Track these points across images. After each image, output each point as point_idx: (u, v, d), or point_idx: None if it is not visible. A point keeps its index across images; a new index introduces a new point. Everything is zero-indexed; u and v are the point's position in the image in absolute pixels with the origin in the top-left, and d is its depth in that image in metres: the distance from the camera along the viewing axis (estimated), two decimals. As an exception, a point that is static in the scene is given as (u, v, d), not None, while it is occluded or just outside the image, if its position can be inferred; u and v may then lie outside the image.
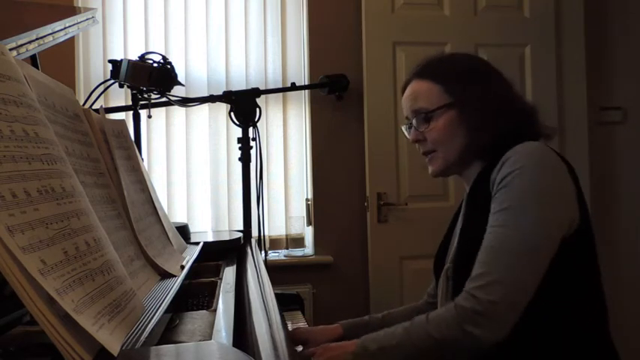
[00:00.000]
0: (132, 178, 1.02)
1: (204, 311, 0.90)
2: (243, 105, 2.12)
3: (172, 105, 2.08)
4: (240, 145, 2.10)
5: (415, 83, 1.22)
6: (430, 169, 1.22)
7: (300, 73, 2.76)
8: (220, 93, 2.19)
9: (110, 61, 1.83)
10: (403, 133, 1.29)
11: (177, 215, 2.57)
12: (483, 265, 0.99)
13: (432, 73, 1.21)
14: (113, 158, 0.94)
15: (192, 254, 1.18)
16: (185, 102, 2.19)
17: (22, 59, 1.01)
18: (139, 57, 1.83)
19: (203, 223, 2.62)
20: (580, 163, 2.60)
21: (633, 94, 2.99)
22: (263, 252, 2.12)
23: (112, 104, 2.46)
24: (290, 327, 1.44)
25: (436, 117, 1.16)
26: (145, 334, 0.60)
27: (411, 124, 1.23)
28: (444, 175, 1.26)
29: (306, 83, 2.72)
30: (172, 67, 1.83)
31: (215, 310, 0.89)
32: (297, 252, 2.71)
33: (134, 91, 1.87)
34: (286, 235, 2.74)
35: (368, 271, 2.64)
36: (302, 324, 1.50)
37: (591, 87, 2.84)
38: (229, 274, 1.22)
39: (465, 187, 1.25)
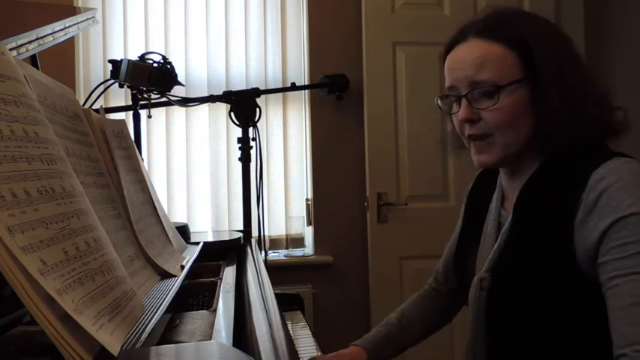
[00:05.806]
0: (132, 178, 1.02)
1: (204, 311, 0.90)
2: (243, 105, 2.12)
3: (172, 105, 2.08)
4: (240, 145, 2.10)
5: (479, 44, 0.93)
6: (479, 157, 0.96)
7: (300, 73, 2.76)
8: (220, 93, 2.19)
9: (110, 61, 1.83)
10: (437, 105, 1.01)
11: (177, 215, 2.57)
12: None
13: (505, 33, 0.93)
14: (113, 158, 0.94)
15: (192, 254, 1.17)
16: (185, 102, 2.19)
17: (22, 59, 1.01)
18: (138, 57, 1.83)
19: (203, 223, 2.62)
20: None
21: (633, 94, 2.99)
22: (263, 252, 2.12)
23: (112, 104, 2.46)
24: (290, 327, 1.44)
25: (506, 94, 0.91)
26: (145, 334, 0.60)
27: (456, 96, 0.96)
28: (497, 167, 1.03)
29: (306, 83, 2.72)
30: (172, 67, 1.83)
31: (215, 310, 0.88)
32: (297, 252, 2.71)
33: (134, 91, 1.87)
34: (286, 235, 2.74)
35: (368, 271, 2.64)
36: (302, 324, 1.50)
37: (591, 87, 2.85)
38: (229, 274, 1.22)
39: (505, 182, 1.04)
